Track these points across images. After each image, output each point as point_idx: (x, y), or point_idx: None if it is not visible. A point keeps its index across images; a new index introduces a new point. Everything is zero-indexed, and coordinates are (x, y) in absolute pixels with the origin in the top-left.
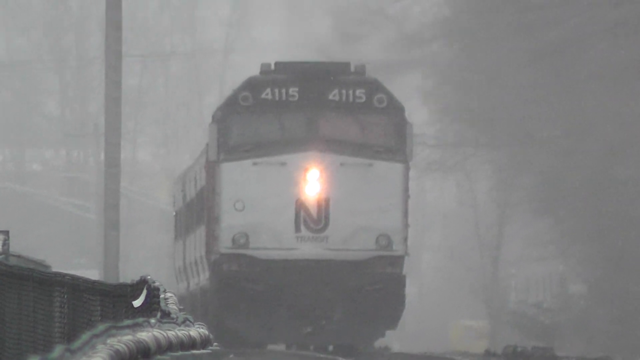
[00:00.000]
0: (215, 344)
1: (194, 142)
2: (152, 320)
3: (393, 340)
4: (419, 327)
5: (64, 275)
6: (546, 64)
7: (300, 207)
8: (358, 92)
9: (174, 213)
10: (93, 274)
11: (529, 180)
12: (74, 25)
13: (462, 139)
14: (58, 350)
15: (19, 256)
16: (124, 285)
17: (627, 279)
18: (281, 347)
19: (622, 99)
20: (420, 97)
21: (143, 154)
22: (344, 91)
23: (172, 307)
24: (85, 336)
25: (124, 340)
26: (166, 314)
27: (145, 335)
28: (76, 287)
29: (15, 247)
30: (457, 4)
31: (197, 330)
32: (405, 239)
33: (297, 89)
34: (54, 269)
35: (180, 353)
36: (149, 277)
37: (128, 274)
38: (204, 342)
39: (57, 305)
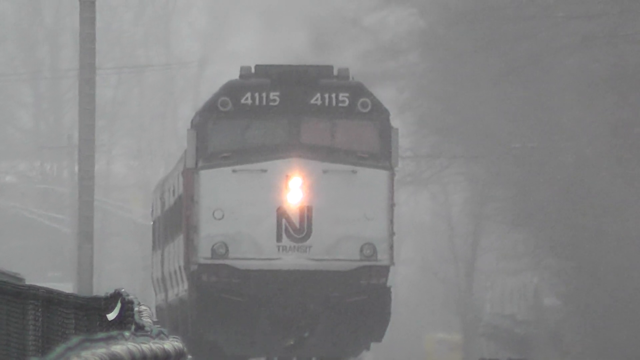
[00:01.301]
0: (189, 357)
1: (169, 154)
2: (126, 333)
3: (367, 352)
4: (393, 340)
5: (38, 288)
6: (520, 77)
7: (281, 215)
8: (341, 96)
9: (152, 222)
10: (67, 287)
11: (503, 193)
12: (48, 37)
13: (437, 151)
14: None
15: None
16: (97, 298)
17: (600, 291)
18: None
19: (595, 110)
20: (395, 109)
21: (117, 166)
22: (326, 95)
23: (146, 320)
24: (59, 349)
25: (97, 353)
26: (140, 327)
27: (120, 348)
28: (50, 300)
29: None
30: (432, 16)
31: (171, 343)
32: (391, 248)
33: (277, 94)
34: (28, 282)
35: None
36: (123, 290)
37: (102, 287)
38: (179, 355)
39: (31, 318)
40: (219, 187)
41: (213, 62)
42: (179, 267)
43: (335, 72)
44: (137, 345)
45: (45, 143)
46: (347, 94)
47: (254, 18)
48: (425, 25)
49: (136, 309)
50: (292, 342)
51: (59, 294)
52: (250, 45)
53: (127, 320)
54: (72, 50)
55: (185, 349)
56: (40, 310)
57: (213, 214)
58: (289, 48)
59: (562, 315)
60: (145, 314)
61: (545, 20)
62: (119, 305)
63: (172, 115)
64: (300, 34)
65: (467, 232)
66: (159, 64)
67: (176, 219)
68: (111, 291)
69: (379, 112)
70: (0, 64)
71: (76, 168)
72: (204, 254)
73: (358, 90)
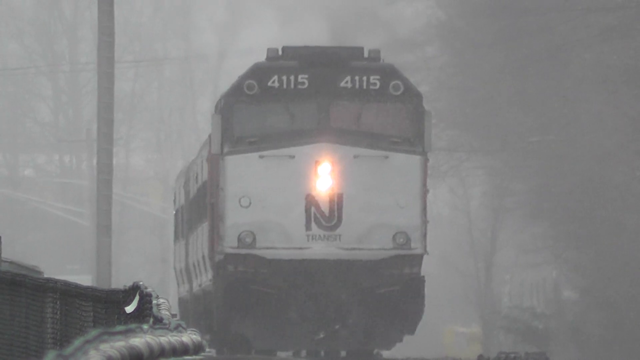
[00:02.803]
0: (208, 350)
1: (188, 147)
2: (145, 326)
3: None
4: None
5: (57, 281)
6: (538, 70)
7: (310, 203)
8: (372, 78)
9: (174, 211)
10: (86, 280)
11: (522, 186)
12: (67, 30)
13: (455, 144)
14: (50, 356)
15: (11, 262)
16: (116, 291)
17: (619, 284)
18: (290, 353)
19: (613, 103)
20: None
21: (136, 160)
22: (356, 78)
23: (165, 313)
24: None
25: (116, 346)
26: (159, 320)
27: (138, 341)
28: (69, 293)
29: (7, 253)
30: (450, 9)
31: (189, 336)
32: (424, 237)
33: (306, 76)
34: (47, 275)
35: (172, 359)
36: (141, 282)
37: (120, 280)
38: (197, 348)
39: (49, 311)
40: (245, 173)
41: (232, 55)
42: (203, 257)
43: (365, 54)
44: (155, 338)
45: (64, 136)
46: (378, 77)
47: (272, 11)
48: (443, 18)
49: (154, 301)
50: (322, 335)
51: (78, 286)
52: (268, 38)
53: (145, 313)
54: (91, 44)
55: (203, 342)
56: (58, 303)
57: (239, 201)
58: (306, 41)
59: (581, 309)
60: (164, 307)
61: (563, 13)
62: (137, 298)
63: (190, 108)
64: (317, 27)
65: (486, 226)
66: (178, 57)
67: (201, 207)
68: (129, 284)
69: (411, 95)
70: (19, 57)
71: (95, 161)
72: (230, 243)
73: (390, 73)
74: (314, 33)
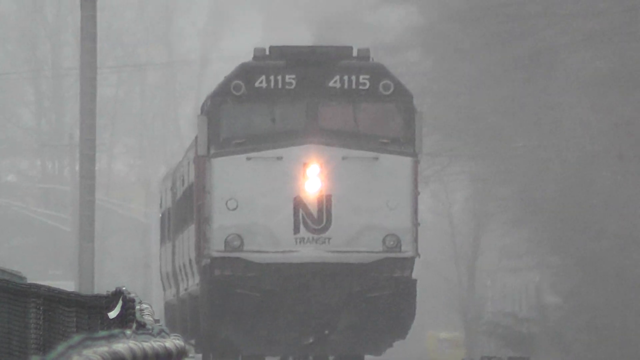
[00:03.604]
0: (191, 355)
1: (170, 152)
2: (128, 332)
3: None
4: None
5: (40, 286)
6: (523, 75)
7: (299, 205)
8: (361, 78)
9: (161, 214)
10: (69, 285)
11: (505, 191)
12: (50, 35)
13: (438, 149)
14: None
15: None
16: (99, 297)
17: (602, 289)
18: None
19: (597, 109)
20: None
21: (119, 165)
22: (345, 77)
23: (148, 318)
24: (60, 347)
25: (99, 351)
26: (142, 325)
27: (121, 346)
28: (52, 298)
29: None
30: (433, 14)
31: (172, 342)
32: (415, 240)
33: (294, 76)
34: (30, 281)
35: None
36: (124, 288)
37: (103, 285)
38: (180, 354)
39: (32, 316)
40: (232, 175)
41: (215, 61)
42: (190, 261)
43: (355, 53)
44: (138, 343)
45: (47, 141)
46: (367, 76)
47: (255, 16)
48: (426, 23)
49: (137, 307)
50: (311, 340)
51: (61, 292)
52: (252, 43)
53: (128, 319)
54: (74, 49)
55: (187, 347)
56: (41, 308)
57: (226, 204)
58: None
59: (564, 313)
60: (147, 312)
61: (548, 17)
62: (120, 303)
63: (173, 114)
64: (301, 32)
65: (469, 231)
66: (160, 62)
67: (187, 209)
68: (112, 289)
69: (401, 95)
70: (2, 62)
71: (77, 167)
72: (217, 247)
73: (379, 72)
74: (297, 38)
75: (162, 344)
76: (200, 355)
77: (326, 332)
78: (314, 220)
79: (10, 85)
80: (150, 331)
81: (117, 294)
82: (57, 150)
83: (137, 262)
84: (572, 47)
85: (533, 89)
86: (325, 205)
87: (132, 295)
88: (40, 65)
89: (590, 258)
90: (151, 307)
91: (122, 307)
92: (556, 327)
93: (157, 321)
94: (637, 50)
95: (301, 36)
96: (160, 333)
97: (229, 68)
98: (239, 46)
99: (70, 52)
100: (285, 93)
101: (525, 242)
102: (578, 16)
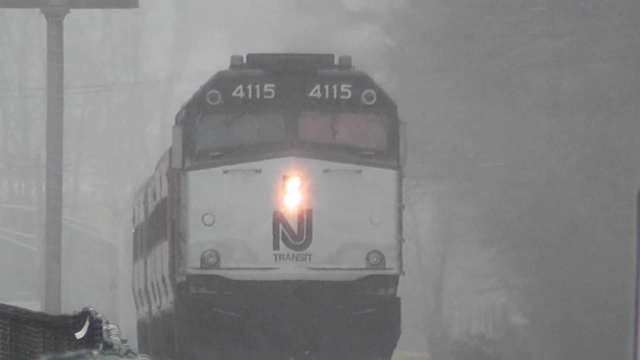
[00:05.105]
0: None
1: (136, 173)
2: (95, 352)
3: None
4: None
5: (7, 307)
6: (489, 95)
7: (278, 220)
8: (343, 87)
9: (133, 230)
10: (35, 306)
11: (471, 212)
12: (16, 56)
13: (404, 169)
14: None
15: None
16: (66, 317)
17: (568, 310)
18: None
19: (564, 129)
20: None
21: (85, 186)
22: (326, 87)
23: (115, 338)
24: None
25: None
26: (109, 346)
27: None
28: (18, 318)
29: None
30: (398, 35)
31: None
32: (400, 256)
33: (273, 85)
34: None
35: None
36: (91, 308)
37: (70, 306)
38: None
39: None
40: (208, 189)
41: (181, 80)
42: (163, 278)
43: (336, 61)
44: None
45: (13, 162)
46: (349, 85)
47: (221, 35)
48: (392, 44)
49: (105, 327)
50: None
51: (27, 312)
52: (217, 63)
53: (95, 339)
54: (40, 70)
55: None
56: (8, 328)
57: (202, 219)
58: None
59: (530, 334)
60: (114, 332)
61: (513, 39)
62: (87, 323)
63: (140, 134)
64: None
65: (435, 251)
66: (127, 82)
67: (160, 224)
68: (79, 310)
69: (385, 105)
70: None
71: (44, 187)
72: (192, 264)
73: (362, 81)
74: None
75: None
76: None
77: (307, 352)
78: (294, 236)
79: None
80: (118, 352)
81: (84, 314)
82: (23, 171)
83: (104, 282)
84: (539, 67)
85: (499, 109)
86: (306, 220)
87: (99, 315)
88: (7, 85)
89: (556, 278)
90: (118, 327)
91: (89, 327)
92: (522, 347)
93: (124, 341)
94: (602, 72)
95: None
96: (127, 354)
97: (195, 87)
98: (205, 65)
99: (36, 72)
100: (263, 103)
101: (492, 262)
102: (544, 37)
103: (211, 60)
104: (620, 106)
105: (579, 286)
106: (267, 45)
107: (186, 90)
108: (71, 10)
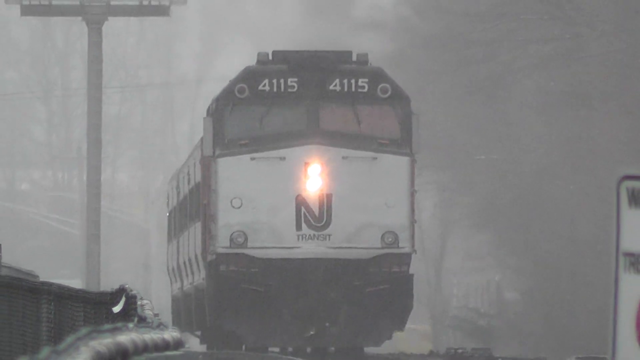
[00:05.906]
0: (187, 345)
1: (168, 164)
2: (130, 325)
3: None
4: None
5: (51, 284)
6: (484, 95)
7: (301, 203)
8: (360, 81)
9: (167, 213)
10: (76, 283)
11: (469, 199)
12: (59, 59)
13: (416, 157)
14: (45, 352)
15: (10, 267)
16: (104, 294)
17: (555, 286)
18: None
19: (551, 126)
20: None
21: (121, 176)
22: (345, 81)
23: (148, 312)
24: (69, 339)
25: (104, 342)
26: (142, 319)
27: (124, 338)
28: (62, 295)
29: (7, 259)
30: (402, 41)
31: (170, 334)
32: (412, 236)
33: (296, 80)
34: (42, 279)
35: (155, 354)
36: (127, 286)
37: (108, 283)
38: (177, 345)
39: (44, 311)
40: (237, 175)
41: (208, 81)
42: (196, 257)
43: (354, 58)
44: (139, 335)
45: (57, 154)
46: (366, 79)
47: (243, 41)
48: (395, 48)
49: (139, 302)
50: (312, 333)
51: (70, 289)
52: (242, 64)
53: (130, 313)
54: (81, 71)
55: (183, 339)
56: (52, 304)
57: (231, 202)
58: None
59: (521, 308)
60: (147, 307)
61: (506, 44)
62: (123, 299)
63: (171, 129)
64: None
65: (437, 234)
66: (160, 83)
67: (193, 208)
68: (116, 287)
69: (399, 98)
70: (16, 83)
71: (85, 177)
72: (222, 243)
73: (378, 76)
74: None
75: (160, 336)
76: (205, 346)
77: (327, 324)
78: (315, 217)
79: (23, 104)
80: (150, 324)
81: (120, 291)
82: (66, 162)
83: (138, 263)
84: (528, 70)
85: (493, 108)
86: (326, 204)
87: (134, 292)
88: (51, 86)
89: (545, 258)
90: (151, 302)
91: (125, 302)
92: (514, 320)
93: (156, 315)
94: (586, 73)
95: None
96: (159, 326)
97: (220, 87)
98: (229, 68)
99: (77, 74)
100: (287, 96)
101: (487, 244)
102: (533, 42)
103: (234, 63)
104: (602, 105)
105: (565, 265)
106: (285, 48)
107: (212, 90)
108: (109, 18)
